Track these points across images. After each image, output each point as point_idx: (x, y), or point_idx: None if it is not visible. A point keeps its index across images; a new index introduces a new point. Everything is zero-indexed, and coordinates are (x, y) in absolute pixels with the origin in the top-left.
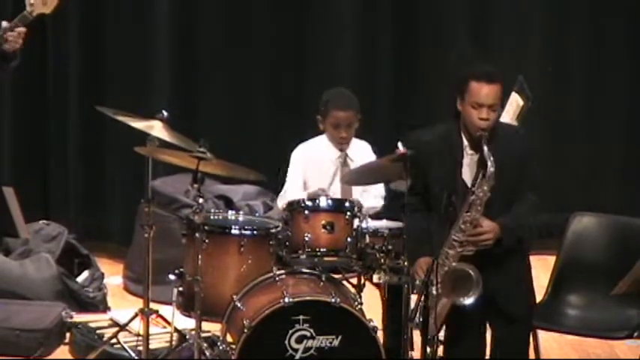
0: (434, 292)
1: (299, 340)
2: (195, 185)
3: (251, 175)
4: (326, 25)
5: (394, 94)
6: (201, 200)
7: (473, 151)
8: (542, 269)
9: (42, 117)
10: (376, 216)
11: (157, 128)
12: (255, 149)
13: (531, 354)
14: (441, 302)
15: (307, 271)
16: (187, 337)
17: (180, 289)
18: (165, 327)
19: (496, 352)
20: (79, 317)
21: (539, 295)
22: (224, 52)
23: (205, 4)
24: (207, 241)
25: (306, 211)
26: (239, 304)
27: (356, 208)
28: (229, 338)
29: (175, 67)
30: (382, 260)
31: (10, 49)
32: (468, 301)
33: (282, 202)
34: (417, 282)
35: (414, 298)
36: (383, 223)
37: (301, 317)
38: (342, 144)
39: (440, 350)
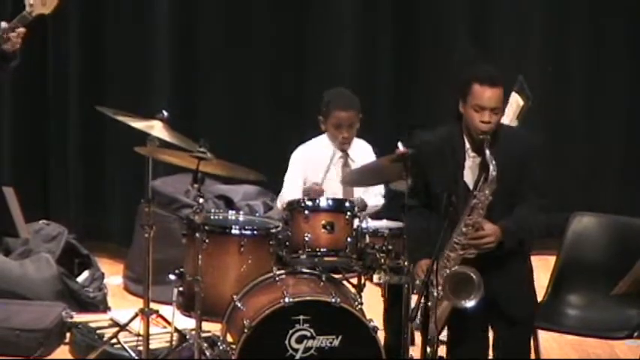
0: (434, 292)
1: (299, 340)
2: (196, 185)
3: (251, 175)
4: (326, 25)
5: (394, 94)
6: (201, 200)
7: (475, 153)
8: (542, 269)
9: (42, 117)
10: (376, 216)
11: (157, 128)
12: (255, 149)
13: (531, 354)
14: (443, 305)
15: (307, 271)
16: (187, 337)
17: (181, 289)
18: (165, 327)
19: (498, 354)
20: (79, 317)
21: (539, 296)
22: (224, 52)
23: (205, 4)
24: (207, 241)
25: (306, 211)
26: (239, 304)
27: (356, 209)
28: (229, 338)
29: (175, 67)
30: (382, 260)
31: (9, 49)
32: (470, 304)
33: (280, 202)
34: (417, 282)
35: (415, 298)
36: (383, 223)
37: (301, 317)
38: (343, 144)
39: (440, 350)
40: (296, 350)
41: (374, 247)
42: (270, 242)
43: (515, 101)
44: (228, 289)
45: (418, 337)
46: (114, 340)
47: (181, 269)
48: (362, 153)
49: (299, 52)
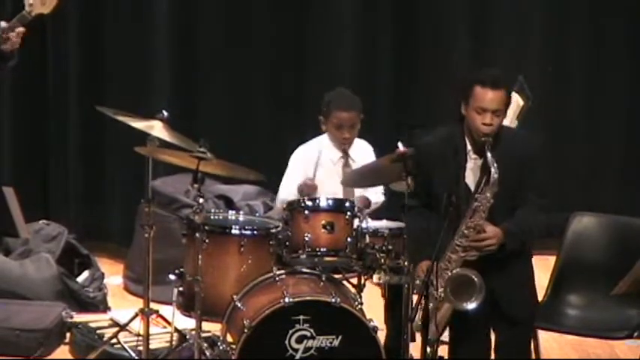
0: (433, 292)
1: (299, 340)
2: (196, 185)
3: (251, 175)
4: (326, 25)
5: (394, 94)
6: (201, 200)
7: (476, 155)
8: (542, 269)
9: (42, 117)
10: (376, 216)
11: (157, 128)
12: (255, 149)
13: (531, 354)
14: (444, 307)
15: (307, 271)
16: (187, 337)
17: (181, 289)
18: (165, 327)
19: (499, 355)
20: (79, 317)
21: (539, 296)
22: (224, 52)
23: (205, 4)
24: (207, 241)
25: (306, 211)
26: (239, 304)
27: (358, 207)
28: (229, 338)
29: (175, 67)
30: (382, 260)
31: (8, 49)
32: (471, 306)
33: (278, 201)
34: (418, 282)
35: (416, 298)
36: (383, 223)
37: (301, 317)
38: (344, 144)
39: (441, 350)
40: (296, 350)
41: (374, 247)
42: (270, 242)
43: (515, 101)
44: (228, 289)
45: (418, 337)
46: (114, 340)
47: (181, 269)
48: (362, 153)
49: (299, 52)
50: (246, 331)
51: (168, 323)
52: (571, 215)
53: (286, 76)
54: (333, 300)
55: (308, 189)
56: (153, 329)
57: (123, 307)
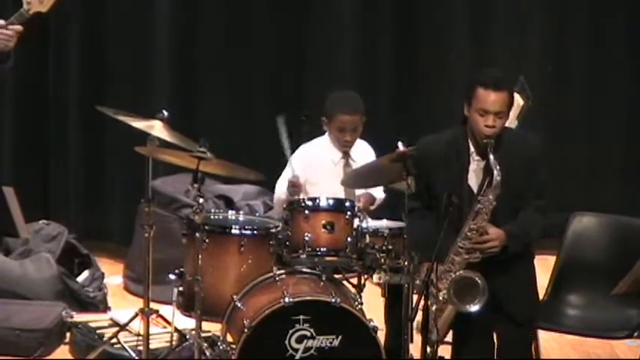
0: (434, 292)
1: (299, 340)
2: (196, 185)
3: (251, 175)
4: (326, 25)
5: (394, 94)
6: (201, 200)
7: (479, 157)
8: (542, 269)
9: (42, 117)
10: (376, 216)
11: (157, 128)
12: (255, 149)
13: (532, 354)
14: (447, 309)
15: (307, 270)
16: (187, 337)
17: (181, 288)
18: (165, 327)
19: (501, 355)
20: (79, 317)
21: (540, 296)
22: (224, 52)
23: (205, 4)
24: (207, 240)
25: (306, 211)
26: (239, 304)
27: (361, 206)
28: (229, 338)
29: (175, 67)
30: (382, 260)
31: (4, 48)
32: (474, 308)
33: (275, 198)
34: (418, 282)
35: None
36: (383, 223)
37: (301, 317)
38: (346, 147)
39: (441, 350)
40: (296, 350)
41: (374, 247)
42: (270, 242)
43: (516, 101)
44: (228, 289)
45: (418, 338)
46: (114, 340)
47: (181, 269)
48: (363, 154)
49: (299, 52)
50: (246, 331)
51: (169, 323)
52: (571, 215)
53: (286, 76)
54: (333, 300)
55: (293, 187)
56: (153, 329)
57: (123, 307)
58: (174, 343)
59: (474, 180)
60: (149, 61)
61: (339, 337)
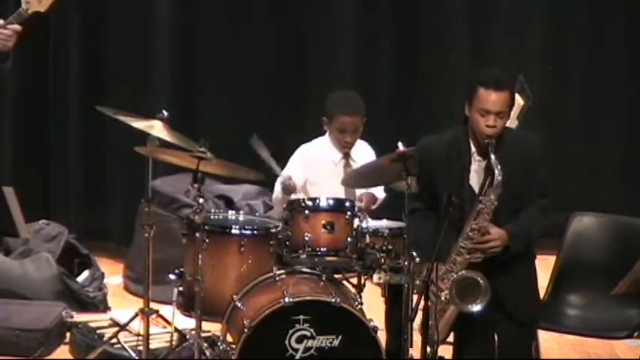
0: (434, 292)
1: (299, 340)
2: (196, 185)
3: (251, 175)
4: (326, 25)
5: (394, 94)
6: (201, 200)
7: (480, 157)
8: (542, 269)
9: (42, 117)
10: (376, 215)
11: (157, 128)
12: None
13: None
14: (449, 309)
15: (307, 270)
16: (187, 337)
17: (181, 288)
18: (165, 327)
19: (502, 355)
20: (79, 317)
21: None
22: (224, 52)
23: (205, 4)
24: (207, 240)
25: (306, 211)
26: (239, 304)
27: (356, 209)
28: (229, 338)
29: (175, 67)
30: (382, 260)
31: (3, 48)
32: (476, 308)
33: (274, 197)
34: (418, 282)
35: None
36: (383, 223)
37: (301, 317)
38: (346, 148)
39: (442, 350)
40: (296, 350)
41: (374, 247)
42: (270, 242)
43: (516, 101)
44: (228, 289)
45: (417, 339)
46: (114, 340)
47: (181, 269)
48: (363, 154)
49: (299, 52)
50: (246, 331)
51: (169, 323)
52: (571, 215)
53: (286, 76)
54: (333, 300)
55: (287, 188)
56: (153, 329)
57: (123, 306)
58: (174, 343)
59: (475, 180)
60: (149, 61)
61: (339, 337)
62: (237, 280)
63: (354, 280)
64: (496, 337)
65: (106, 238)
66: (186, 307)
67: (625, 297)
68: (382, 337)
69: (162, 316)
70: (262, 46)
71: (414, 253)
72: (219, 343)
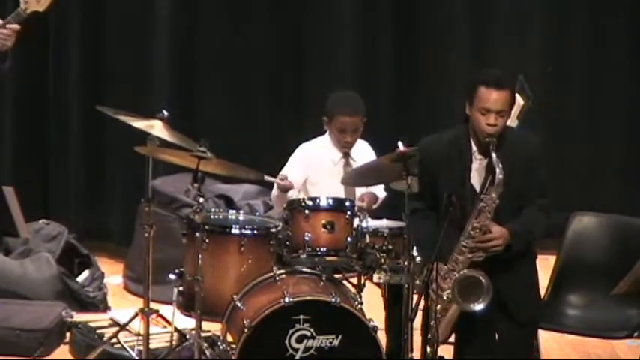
0: (433, 291)
1: (299, 340)
2: (196, 185)
3: (251, 174)
4: (326, 25)
5: (394, 94)
6: (201, 200)
7: (481, 156)
8: (542, 269)
9: (42, 117)
10: (376, 215)
11: (157, 128)
12: (255, 149)
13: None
14: (452, 308)
15: (307, 270)
16: (187, 336)
17: (181, 288)
18: (165, 327)
19: (502, 355)
20: (79, 317)
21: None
22: (224, 52)
23: (205, 4)
24: (207, 240)
25: (307, 211)
26: (239, 304)
27: (356, 209)
28: (229, 338)
29: (175, 67)
30: (382, 260)
31: (2, 47)
32: (479, 307)
33: (272, 196)
34: (418, 282)
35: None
36: (383, 223)
37: (301, 317)
38: (346, 148)
39: (441, 350)
40: (296, 350)
41: (374, 246)
42: (271, 242)
43: (516, 101)
44: (228, 289)
45: (417, 339)
46: (114, 340)
47: (181, 269)
48: (363, 154)
49: (299, 52)
50: (246, 330)
51: (169, 323)
52: (571, 215)
53: (286, 76)
54: (333, 300)
55: (281, 187)
56: (153, 329)
57: (123, 306)
58: (174, 343)
59: (476, 179)
60: (149, 61)
61: (339, 337)
62: (237, 280)
63: (354, 280)
64: (496, 337)
65: (106, 238)
66: (186, 307)
67: (625, 297)
68: (382, 337)
69: (162, 316)
70: (262, 46)
71: (416, 254)
72: (219, 343)
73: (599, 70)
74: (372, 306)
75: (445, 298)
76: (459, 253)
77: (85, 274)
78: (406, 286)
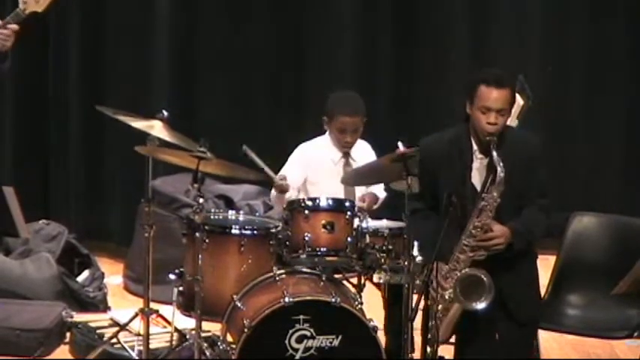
0: (433, 292)
1: (299, 340)
2: (196, 185)
3: (251, 175)
4: (326, 25)
5: (394, 94)
6: (201, 200)
7: (482, 155)
8: (542, 269)
9: (42, 117)
10: (376, 215)
11: (157, 128)
12: (255, 149)
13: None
14: (453, 308)
15: (307, 270)
16: (187, 336)
17: (181, 288)
18: (165, 327)
19: (503, 354)
20: (79, 317)
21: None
22: (224, 52)
23: (205, 4)
24: (207, 240)
25: (306, 211)
26: (239, 304)
27: (356, 209)
28: (229, 338)
29: (175, 67)
30: (382, 260)
31: (2, 47)
32: (481, 306)
33: (271, 196)
34: (418, 282)
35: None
36: (383, 223)
37: (301, 317)
38: (346, 148)
39: (441, 350)
40: (296, 350)
41: (374, 246)
42: (270, 242)
43: (516, 101)
44: (228, 289)
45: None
46: (114, 340)
47: (181, 269)
48: (363, 154)
49: (299, 52)
50: (246, 330)
51: (169, 323)
52: (571, 215)
53: (286, 76)
54: (333, 300)
55: (279, 186)
56: (153, 329)
57: (123, 306)
58: (174, 343)
59: (477, 178)
60: (149, 61)
61: (339, 337)
62: (237, 280)
63: (354, 280)
64: (497, 336)
65: (106, 238)
66: (186, 307)
67: (625, 297)
68: (382, 337)
69: (162, 316)
70: (262, 46)
71: (416, 254)
72: (219, 343)
73: (599, 70)
74: (372, 306)
75: (447, 297)
76: (460, 252)
77: (85, 274)
78: (406, 286)
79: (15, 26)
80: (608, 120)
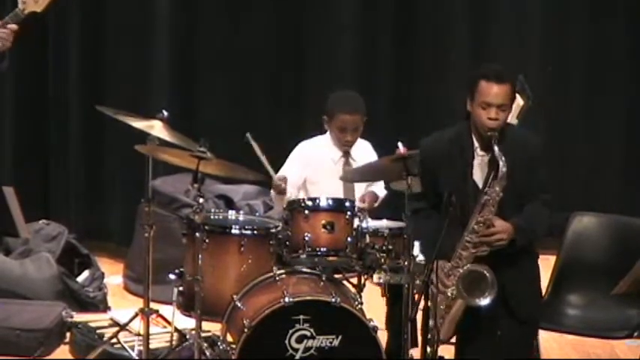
0: (434, 290)
1: (299, 340)
2: (196, 185)
3: (251, 175)
4: (326, 25)
5: (394, 94)
6: (201, 200)
7: (483, 151)
8: (542, 269)
9: (42, 117)
10: (376, 215)
11: (157, 128)
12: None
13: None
14: (456, 305)
15: (307, 270)
16: (187, 336)
17: (181, 288)
18: (165, 327)
19: (503, 353)
20: (79, 317)
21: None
22: (224, 52)
23: (205, 4)
24: (207, 240)
25: (306, 211)
26: (239, 304)
27: (356, 209)
28: (229, 338)
29: (175, 67)
30: (382, 260)
31: (1, 47)
32: (484, 302)
33: (271, 196)
34: (418, 282)
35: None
36: (383, 223)
37: (301, 317)
38: (346, 147)
39: (441, 350)
40: (296, 350)
41: (374, 246)
42: (270, 242)
43: (516, 101)
44: (228, 289)
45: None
46: (114, 340)
47: (181, 269)
48: (364, 153)
49: (299, 52)
50: (246, 330)
51: (169, 323)
52: (571, 215)
53: (286, 76)
54: (333, 300)
55: (276, 187)
56: (153, 329)
57: (123, 306)
58: (174, 343)
59: (478, 175)
60: (149, 61)
61: (339, 337)
62: (237, 280)
63: (354, 280)
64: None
65: (106, 238)
66: (186, 307)
67: (625, 297)
68: (382, 337)
69: (162, 316)
70: (262, 46)
71: (417, 253)
72: (219, 343)
73: (599, 70)
74: (372, 306)
75: (450, 294)
76: (462, 248)
77: (85, 274)
78: (406, 286)
79: (14, 26)
80: (608, 120)
